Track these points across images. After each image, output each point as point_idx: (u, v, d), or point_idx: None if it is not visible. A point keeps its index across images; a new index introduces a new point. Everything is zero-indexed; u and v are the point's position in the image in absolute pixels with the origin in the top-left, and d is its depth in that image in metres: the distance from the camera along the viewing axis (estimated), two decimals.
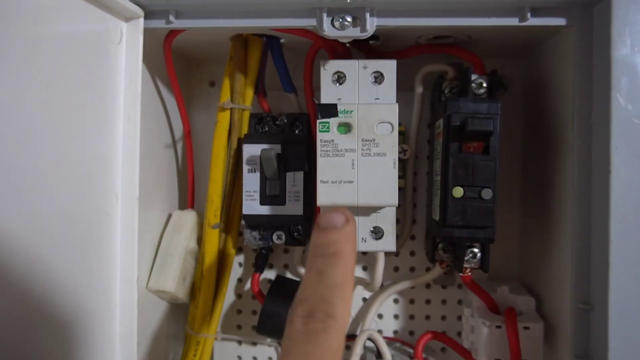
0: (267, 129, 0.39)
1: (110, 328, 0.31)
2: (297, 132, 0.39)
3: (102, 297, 0.30)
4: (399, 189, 0.41)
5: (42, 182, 0.25)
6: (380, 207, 0.34)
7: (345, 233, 0.24)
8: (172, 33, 0.34)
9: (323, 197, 0.33)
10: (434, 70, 0.38)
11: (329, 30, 0.31)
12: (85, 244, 0.29)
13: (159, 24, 0.32)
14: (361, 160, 0.32)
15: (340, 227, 0.24)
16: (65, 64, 0.27)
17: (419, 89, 0.39)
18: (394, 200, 0.32)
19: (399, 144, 0.40)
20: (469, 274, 0.35)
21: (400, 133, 0.41)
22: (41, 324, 0.26)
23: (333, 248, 0.23)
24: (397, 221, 0.42)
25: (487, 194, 0.32)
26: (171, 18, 0.32)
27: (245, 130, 0.39)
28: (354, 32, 0.31)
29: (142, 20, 0.31)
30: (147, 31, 0.32)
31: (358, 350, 0.39)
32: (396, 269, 0.43)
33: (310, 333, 0.21)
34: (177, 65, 0.41)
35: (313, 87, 0.38)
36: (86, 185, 0.29)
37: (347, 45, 0.37)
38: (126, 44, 0.31)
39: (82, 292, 0.29)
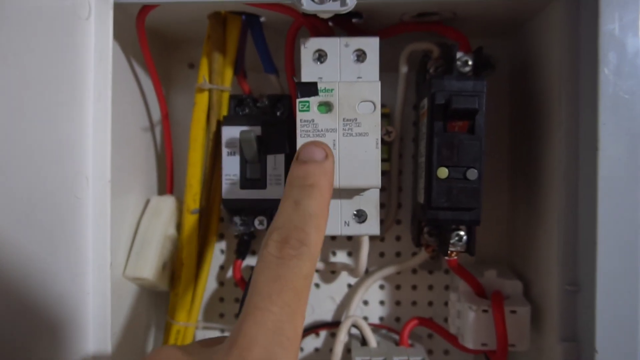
0: (247, 110, 0.38)
1: (82, 315, 0.29)
2: (278, 114, 0.38)
3: (73, 284, 0.29)
4: (384, 172, 0.40)
5: (6, 164, 0.24)
6: (363, 189, 0.33)
7: (323, 167, 0.25)
8: (145, 8, 0.33)
9: None
10: (419, 49, 0.37)
11: (307, 4, 0.30)
12: (53, 229, 0.28)
13: None
14: (342, 140, 0.31)
15: (319, 161, 0.26)
16: (29, 41, 0.26)
17: (404, 69, 0.38)
18: (377, 181, 0.31)
19: (384, 125, 0.39)
20: (455, 257, 0.35)
21: (385, 115, 0.40)
22: (7, 311, 0.25)
23: (310, 180, 0.24)
24: (382, 205, 0.42)
25: (472, 174, 0.31)
26: None
27: (225, 112, 0.38)
28: (334, 7, 0.30)
29: None
30: (118, 6, 0.30)
31: (342, 337, 0.38)
32: (382, 254, 0.42)
33: (283, 257, 0.22)
34: (155, 47, 0.39)
35: (295, 68, 0.36)
36: (54, 168, 0.28)
37: (330, 24, 0.36)
38: (95, 20, 0.29)
39: (51, 278, 0.28)
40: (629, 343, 0.27)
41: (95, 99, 0.30)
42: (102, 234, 0.30)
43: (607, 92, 0.27)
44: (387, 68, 0.37)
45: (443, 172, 0.32)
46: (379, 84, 0.32)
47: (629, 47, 0.27)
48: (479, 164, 0.31)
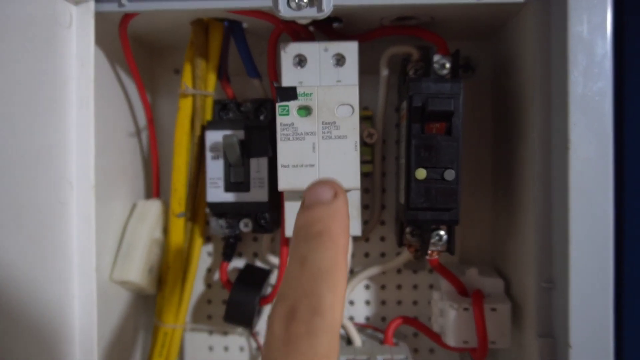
0: (231, 115, 0.38)
1: (68, 319, 0.30)
2: (262, 117, 0.38)
3: (59, 288, 0.30)
4: (367, 174, 0.41)
5: None
6: None
7: (333, 209, 0.20)
8: (127, 17, 0.33)
9: (284, 181, 0.32)
10: (399, 52, 0.37)
11: (284, 10, 0.30)
12: (38, 234, 0.28)
13: (111, 7, 0.31)
14: (322, 143, 0.32)
15: (327, 202, 0.20)
16: (11, 49, 0.26)
17: (384, 72, 0.38)
18: (357, 183, 0.32)
19: (366, 128, 0.40)
20: (436, 257, 0.35)
21: (367, 117, 0.41)
22: None
23: (318, 227, 0.19)
24: (366, 207, 0.42)
25: (449, 175, 0.32)
26: (123, 1, 0.31)
27: (209, 117, 0.38)
28: (311, 12, 0.31)
29: (92, 3, 0.30)
30: (99, 15, 0.31)
31: None
32: (366, 254, 0.43)
33: (291, 338, 0.17)
34: (140, 53, 0.40)
35: (278, 72, 0.37)
36: (38, 174, 0.28)
37: (310, 29, 0.37)
38: (77, 28, 0.30)
39: (37, 283, 0.28)
40: (601, 338, 0.28)
41: (78, 104, 0.30)
42: (87, 238, 0.31)
43: (576, 93, 0.28)
44: (369, 71, 0.38)
45: (421, 173, 0.32)
46: (357, 87, 0.32)
47: (598, 49, 0.28)
48: (457, 164, 0.32)
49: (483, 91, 0.41)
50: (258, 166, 0.36)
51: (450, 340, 0.36)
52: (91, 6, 0.30)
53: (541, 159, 0.30)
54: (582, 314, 0.28)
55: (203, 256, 0.43)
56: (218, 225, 0.38)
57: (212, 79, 0.38)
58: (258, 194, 0.37)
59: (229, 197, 0.37)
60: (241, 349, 0.44)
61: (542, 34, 0.30)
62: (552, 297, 0.30)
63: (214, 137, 0.37)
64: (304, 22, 0.32)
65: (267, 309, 0.43)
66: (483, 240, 0.42)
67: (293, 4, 0.30)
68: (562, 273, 0.29)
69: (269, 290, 0.41)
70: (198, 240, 0.39)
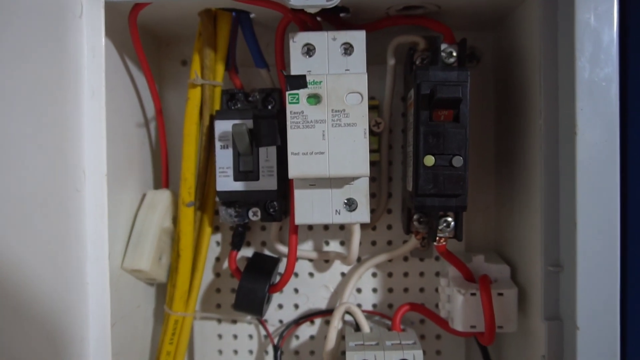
0: (239, 105, 0.39)
1: (82, 306, 0.30)
2: (269, 107, 0.39)
3: (74, 275, 0.30)
4: (374, 162, 0.42)
5: (6, 160, 0.25)
6: (353, 178, 0.34)
7: None
8: (137, 7, 0.33)
9: (294, 168, 0.32)
10: (405, 41, 0.38)
11: None
12: (56, 222, 0.29)
13: None
14: (332, 130, 0.32)
15: None
16: (23, 40, 0.26)
17: (391, 61, 0.39)
18: (366, 170, 0.32)
19: (373, 117, 0.40)
20: (444, 243, 0.36)
21: (374, 107, 0.42)
22: (10, 299, 0.26)
23: None
24: (373, 195, 0.43)
25: (457, 161, 0.32)
26: None
27: (217, 107, 0.39)
28: (320, 1, 0.31)
29: None
30: (110, 5, 0.31)
31: (336, 323, 0.39)
32: (374, 242, 0.43)
33: None
34: (148, 44, 0.40)
35: (285, 62, 0.37)
36: (56, 162, 0.29)
37: (318, 19, 0.37)
38: (87, 18, 0.30)
39: (53, 269, 0.29)
40: (609, 319, 0.29)
41: (89, 95, 0.31)
42: (100, 225, 0.31)
43: (583, 79, 0.28)
44: (375, 61, 0.38)
45: (430, 160, 0.33)
46: (365, 75, 0.33)
47: (604, 36, 0.28)
48: (464, 151, 0.32)
49: (487, 79, 0.42)
50: (267, 155, 0.37)
51: (458, 325, 0.36)
52: None
53: (548, 145, 0.31)
54: (590, 295, 0.29)
55: (212, 245, 0.44)
56: (227, 214, 0.38)
57: (220, 69, 0.38)
58: (267, 182, 0.37)
59: (238, 186, 0.37)
60: (250, 336, 0.45)
61: (549, 21, 0.31)
62: (558, 280, 0.31)
63: (222, 126, 0.37)
64: (312, 11, 0.33)
65: (276, 297, 0.44)
66: (488, 227, 0.43)
67: None
68: (569, 257, 0.29)
69: (277, 278, 0.42)
70: (207, 229, 0.40)
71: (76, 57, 0.30)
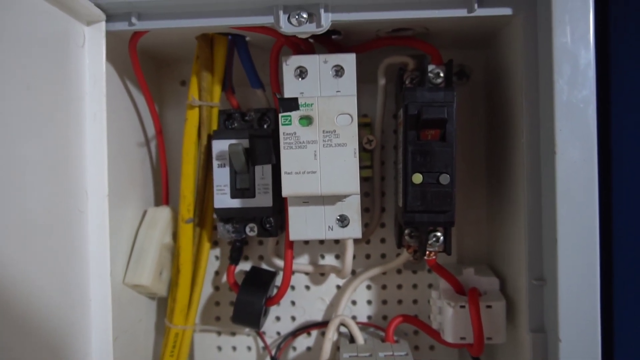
0: (236, 124, 0.40)
1: (85, 321, 0.32)
2: (265, 126, 0.40)
3: (77, 292, 0.31)
4: (367, 178, 0.43)
5: (14, 180, 0.26)
6: (345, 196, 0.35)
7: None
8: (136, 34, 0.35)
9: (287, 187, 0.34)
10: (395, 62, 0.39)
11: (285, 26, 0.32)
12: (59, 241, 0.30)
13: (121, 26, 0.33)
14: (323, 151, 0.34)
15: None
16: (29, 68, 0.28)
17: (382, 81, 0.40)
18: (356, 188, 0.34)
19: (365, 134, 0.42)
20: (434, 257, 0.37)
21: (366, 124, 0.43)
22: (13, 320, 0.27)
23: None
24: (367, 210, 0.44)
25: (444, 179, 0.34)
26: (133, 20, 0.33)
27: (215, 126, 0.40)
28: (310, 28, 0.32)
29: (103, 23, 0.32)
30: (110, 33, 0.33)
31: (330, 335, 0.40)
32: (367, 256, 0.45)
33: None
34: (147, 66, 0.42)
35: (280, 83, 0.39)
36: (60, 184, 0.30)
37: (310, 40, 0.38)
38: (89, 47, 0.32)
39: (56, 287, 0.30)
40: (590, 332, 0.30)
41: (91, 118, 0.32)
42: (102, 244, 0.32)
43: (561, 101, 0.30)
44: (367, 79, 0.40)
45: (418, 178, 0.34)
46: (355, 97, 0.34)
47: (581, 59, 0.30)
48: (451, 169, 0.34)
49: (477, 96, 0.43)
50: (262, 173, 0.38)
51: (449, 336, 0.37)
52: (102, 26, 0.32)
53: (530, 163, 0.32)
54: (571, 309, 0.30)
55: (211, 260, 0.45)
56: (225, 230, 0.40)
57: (217, 90, 0.39)
58: (263, 199, 0.38)
59: (235, 203, 0.39)
60: (249, 348, 0.46)
61: (529, 44, 0.32)
62: (542, 293, 0.32)
63: (220, 146, 0.39)
64: (304, 36, 0.34)
65: (273, 310, 0.45)
66: (480, 241, 0.44)
67: (294, 20, 0.32)
68: (551, 271, 0.31)
69: (275, 291, 0.43)
70: (206, 245, 0.41)
71: (78, 84, 0.31)
